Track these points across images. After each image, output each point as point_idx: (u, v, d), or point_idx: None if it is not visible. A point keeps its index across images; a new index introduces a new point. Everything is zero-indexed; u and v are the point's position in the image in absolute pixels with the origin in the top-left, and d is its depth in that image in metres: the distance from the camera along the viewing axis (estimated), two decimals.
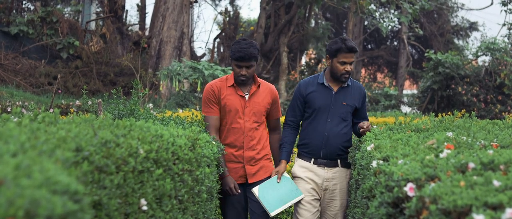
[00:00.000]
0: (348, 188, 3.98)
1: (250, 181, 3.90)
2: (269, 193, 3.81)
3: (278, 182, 3.85)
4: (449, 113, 4.61)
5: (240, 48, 3.76)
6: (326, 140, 3.93)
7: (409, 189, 2.11)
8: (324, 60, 18.60)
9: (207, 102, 3.89)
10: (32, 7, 15.60)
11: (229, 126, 3.86)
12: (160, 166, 2.45)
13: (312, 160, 3.98)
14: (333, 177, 3.97)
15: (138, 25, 17.17)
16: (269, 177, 3.95)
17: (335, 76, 3.91)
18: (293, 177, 4.04)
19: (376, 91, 20.91)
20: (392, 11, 18.03)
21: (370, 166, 2.94)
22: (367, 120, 4.07)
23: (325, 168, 3.97)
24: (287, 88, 16.04)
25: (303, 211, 3.93)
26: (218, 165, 3.66)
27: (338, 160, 4.00)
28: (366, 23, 23.27)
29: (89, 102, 6.42)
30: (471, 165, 2.18)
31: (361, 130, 3.82)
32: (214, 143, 3.52)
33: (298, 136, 4.21)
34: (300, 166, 4.03)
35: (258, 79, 3.96)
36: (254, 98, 3.91)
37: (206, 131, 3.78)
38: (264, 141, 3.97)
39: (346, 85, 3.97)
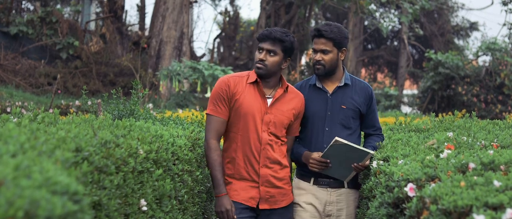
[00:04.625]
0: (356, 213, 3.29)
1: (261, 207, 3.08)
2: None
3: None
4: (449, 113, 4.60)
5: (266, 28, 3.13)
6: None
7: (410, 189, 2.11)
8: None
9: (216, 99, 3.05)
10: (31, 7, 15.61)
11: (242, 132, 3.05)
12: (160, 166, 2.45)
13: (312, 179, 3.26)
14: (338, 200, 3.24)
15: (138, 25, 17.17)
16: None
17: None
18: (293, 203, 3.31)
19: (377, 92, 20.93)
20: (392, 11, 18.03)
21: (370, 166, 2.94)
22: (379, 129, 3.37)
23: (328, 189, 3.24)
24: None
25: None
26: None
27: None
28: (366, 23, 23.28)
29: (89, 103, 6.42)
30: (472, 165, 2.18)
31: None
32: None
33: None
34: (298, 188, 3.30)
35: (286, 81, 3.18)
36: (279, 105, 3.10)
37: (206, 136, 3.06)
38: (283, 160, 3.17)
39: (342, 84, 3.25)
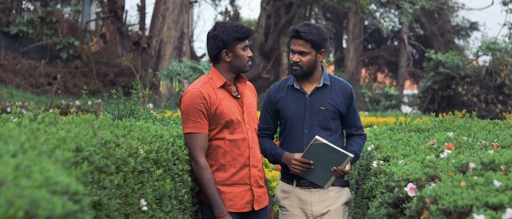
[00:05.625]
0: (345, 210, 3.23)
1: (257, 208, 3.03)
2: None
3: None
4: (449, 113, 4.60)
5: (238, 24, 2.98)
6: None
7: (410, 189, 2.11)
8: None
9: (194, 115, 2.87)
10: (32, 7, 15.61)
11: (229, 137, 2.95)
12: (160, 166, 2.45)
13: (295, 181, 3.18)
14: (322, 199, 3.16)
15: (138, 25, 17.17)
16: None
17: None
18: (280, 207, 3.30)
19: (377, 91, 20.94)
20: (393, 11, 18.04)
21: (371, 166, 2.94)
22: (361, 128, 3.29)
23: (311, 189, 3.16)
24: None
25: None
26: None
27: None
28: (366, 23, 23.28)
29: (89, 103, 6.42)
30: (472, 165, 2.18)
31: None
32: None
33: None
34: (282, 191, 3.25)
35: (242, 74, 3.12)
36: (246, 99, 3.07)
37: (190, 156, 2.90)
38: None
39: (321, 84, 3.17)
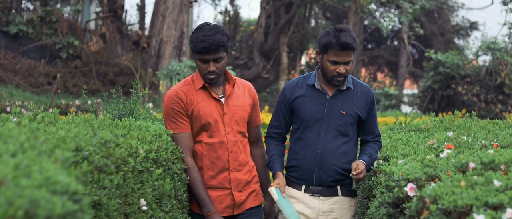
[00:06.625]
0: None
1: (236, 212, 2.97)
2: (286, 205, 2.93)
3: (284, 197, 2.94)
4: (449, 112, 4.59)
5: (203, 36, 2.78)
6: (320, 161, 2.97)
7: (410, 189, 2.11)
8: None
9: (173, 116, 2.87)
10: (31, 7, 15.60)
11: (206, 140, 2.90)
12: (159, 166, 2.45)
13: (303, 187, 3.03)
14: (332, 209, 3.02)
15: (137, 25, 17.16)
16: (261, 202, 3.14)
17: (326, 78, 2.98)
18: (279, 210, 3.13)
19: (377, 91, 20.95)
20: (393, 10, 18.05)
21: (370, 166, 2.94)
22: (378, 136, 3.13)
23: (320, 197, 3.01)
24: None
25: None
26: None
27: (338, 187, 3.02)
28: (366, 22, 23.28)
29: (89, 102, 6.41)
30: (472, 165, 2.18)
31: (352, 174, 2.86)
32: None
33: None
34: (289, 197, 3.05)
35: (232, 75, 3.01)
36: (233, 101, 2.96)
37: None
38: (250, 159, 3.09)
39: (345, 88, 3.00)
